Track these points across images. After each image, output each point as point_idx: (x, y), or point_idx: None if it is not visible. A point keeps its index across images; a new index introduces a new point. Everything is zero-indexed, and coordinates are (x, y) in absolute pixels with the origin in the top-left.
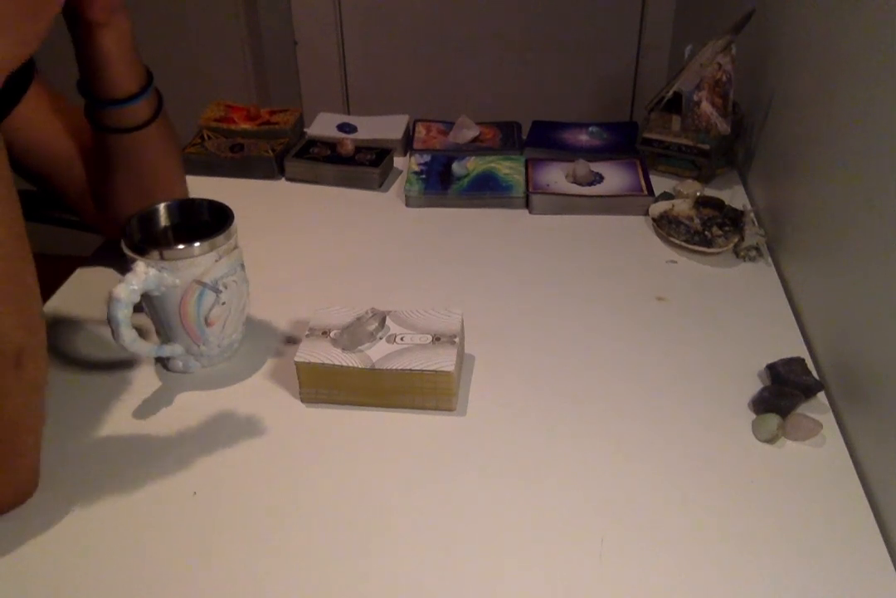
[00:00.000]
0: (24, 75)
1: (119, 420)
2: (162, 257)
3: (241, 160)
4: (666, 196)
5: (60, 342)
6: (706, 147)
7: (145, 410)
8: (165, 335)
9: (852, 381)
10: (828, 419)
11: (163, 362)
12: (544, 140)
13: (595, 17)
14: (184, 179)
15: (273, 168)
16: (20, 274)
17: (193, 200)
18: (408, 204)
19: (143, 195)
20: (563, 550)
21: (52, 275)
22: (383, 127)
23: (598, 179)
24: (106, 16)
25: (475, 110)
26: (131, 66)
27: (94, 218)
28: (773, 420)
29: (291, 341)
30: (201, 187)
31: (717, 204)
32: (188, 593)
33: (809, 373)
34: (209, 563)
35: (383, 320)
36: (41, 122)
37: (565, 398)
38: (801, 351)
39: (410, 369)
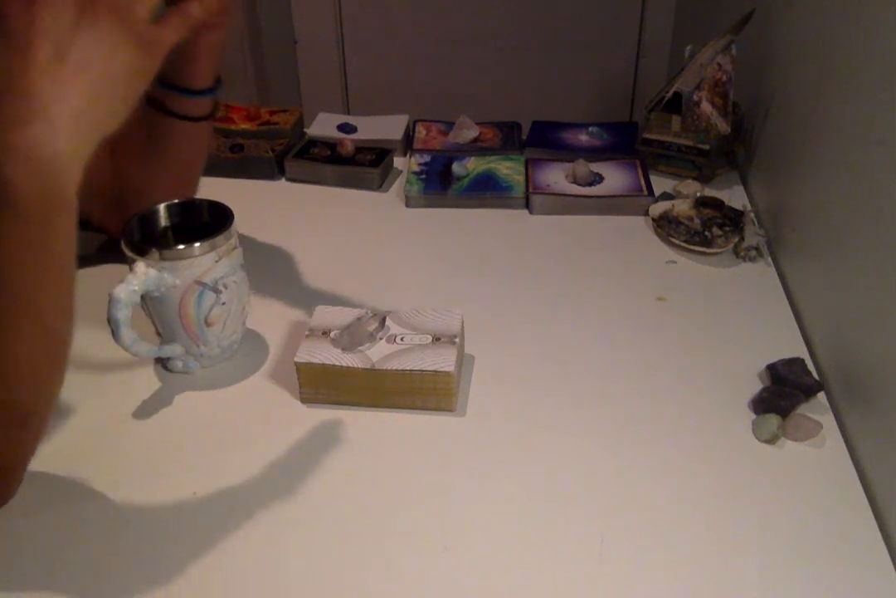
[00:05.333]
0: None
1: (119, 420)
2: (162, 258)
3: (240, 160)
4: (666, 196)
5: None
6: (706, 147)
7: (145, 410)
8: (165, 336)
9: (852, 381)
10: (828, 419)
11: (163, 363)
12: (544, 140)
13: (595, 16)
14: (200, 178)
15: (273, 168)
16: (58, 354)
17: (193, 201)
18: (408, 204)
19: (177, 181)
20: (563, 550)
21: None
22: (383, 127)
23: (598, 179)
24: (219, 18)
25: (475, 110)
26: (218, 61)
27: (102, 218)
28: (773, 420)
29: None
30: (201, 187)
31: (717, 204)
32: (188, 593)
33: (809, 373)
34: (209, 563)
35: (383, 321)
36: None
37: (565, 398)
38: (801, 351)
39: (410, 370)
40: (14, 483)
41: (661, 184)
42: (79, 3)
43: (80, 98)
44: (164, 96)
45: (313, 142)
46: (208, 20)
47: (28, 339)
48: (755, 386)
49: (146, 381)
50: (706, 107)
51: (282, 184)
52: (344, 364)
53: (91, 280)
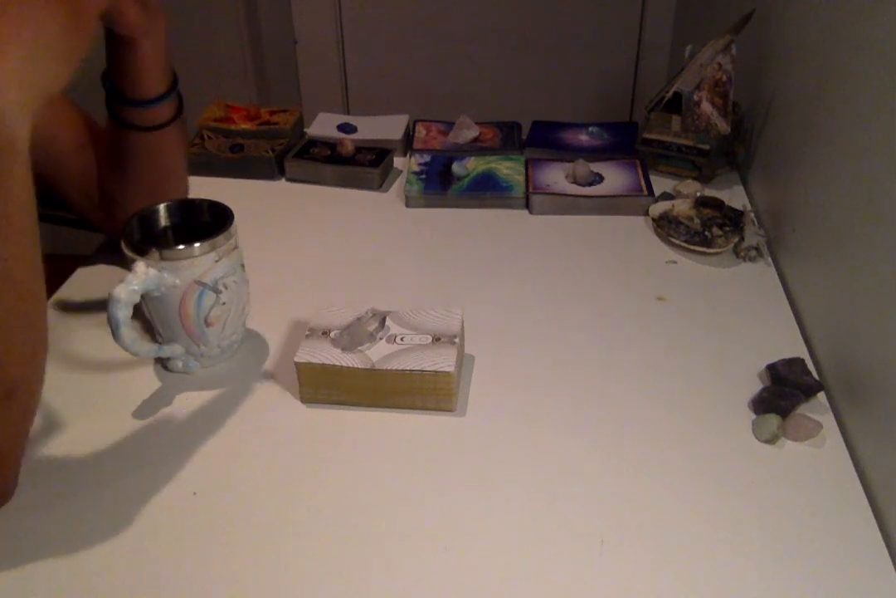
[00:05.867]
0: None
1: (119, 420)
2: (162, 258)
3: (240, 160)
4: (666, 196)
5: (60, 342)
6: (706, 147)
7: (145, 410)
8: (165, 336)
9: (852, 381)
10: (828, 419)
11: (163, 363)
12: (544, 140)
13: (595, 16)
14: (187, 178)
15: (273, 168)
16: (31, 312)
17: (193, 201)
18: (408, 204)
19: (152, 191)
20: (563, 550)
21: (52, 274)
22: (383, 127)
23: (598, 179)
24: (140, 32)
25: (475, 110)
26: (163, 69)
27: (98, 218)
28: (773, 420)
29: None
30: (201, 187)
31: (717, 204)
32: (188, 593)
33: (809, 373)
34: (209, 563)
35: (383, 321)
36: (45, 121)
37: (565, 398)
38: (801, 351)
39: (410, 370)
40: (10, 473)
41: (661, 184)
42: None
43: (19, 55)
44: (120, 111)
45: (313, 142)
46: (137, 30)
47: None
48: (755, 386)
49: (146, 381)
50: (706, 107)
51: (282, 184)
52: (344, 364)
53: (91, 280)
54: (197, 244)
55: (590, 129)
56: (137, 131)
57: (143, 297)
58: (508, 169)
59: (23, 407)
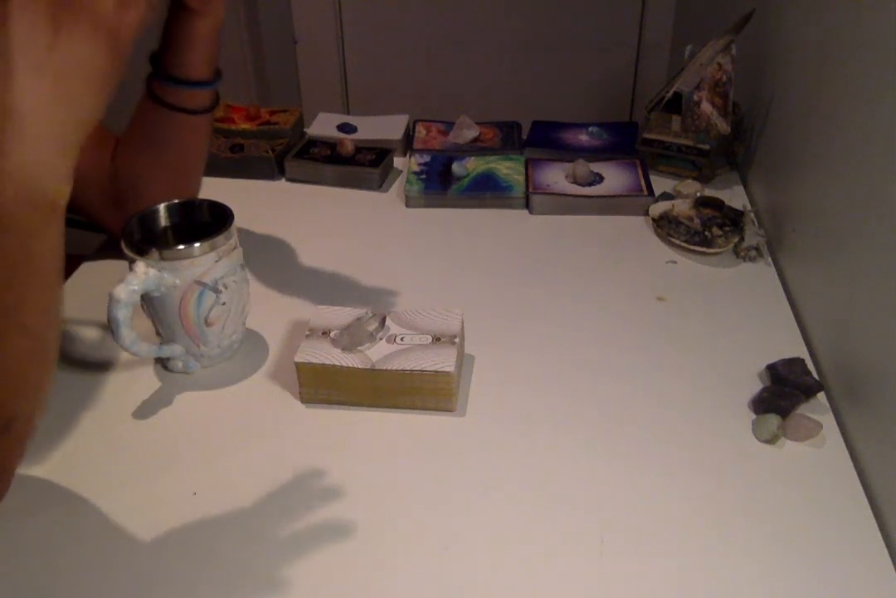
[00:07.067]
0: None
1: (119, 421)
2: (162, 258)
3: (240, 160)
4: (666, 196)
5: (60, 342)
6: (706, 147)
7: (145, 410)
8: (165, 336)
9: (852, 381)
10: (828, 420)
11: (163, 363)
12: (544, 140)
13: (595, 16)
14: (202, 176)
15: (273, 168)
16: (43, 359)
17: (193, 201)
18: (408, 204)
19: (174, 177)
20: (563, 549)
21: None
22: (383, 127)
23: (598, 179)
24: (203, 6)
25: (475, 110)
26: (211, 54)
27: (104, 216)
28: (773, 420)
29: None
30: (201, 187)
31: (717, 204)
32: (188, 593)
33: (809, 373)
34: (209, 563)
35: (383, 320)
36: None
37: (565, 398)
38: (801, 351)
39: (410, 370)
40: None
41: (661, 184)
42: (52, 10)
43: (57, 108)
44: (162, 89)
45: (313, 142)
46: (197, 7)
47: (10, 344)
48: (755, 386)
49: (146, 381)
50: (706, 107)
51: (282, 184)
52: (344, 364)
53: (91, 280)
54: (197, 244)
55: (590, 129)
56: (176, 112)
57: (143, 297)
58: (508, 169)
59: (19, 438)
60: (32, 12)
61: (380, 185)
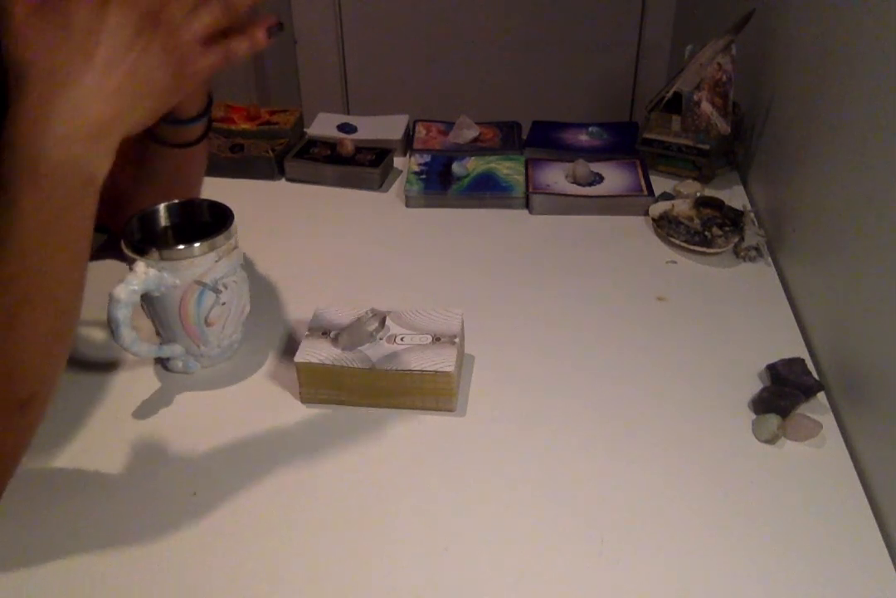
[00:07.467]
0: None
1: (119, 421)
2: (162, 258)
3: (240, 160)
4: (666, 196)
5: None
6: (706, 147)
7: (145, 410)
8: (165, 336)
9: (852, 381)
10: (828, 419)
11: (163, 363)
12: (544, 140)
13: (595, 16)
14: (201, 190)
15: (273, 168)
16: (65, 332)
17: (193, 201)
18: (408, 204)
19: (167, 200)
20: (563, 549)
21: None
22: (383, 127)
23: (598, 179)
24: None
25: (475, 110)
26: (204, 91)
27: (105, 215)
28: (773, 420)
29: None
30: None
31: (717, 204)
32: (188, 593)
33: (809, 373)
34: (209, 563)
35: (383, 320)
36: None
37: (565, 398)
38: (801, 351)
39: (410, 370)
40: (3, 481)
41: (661, 184)
42: (143, 13)
43: (119, 101)
44: (155, 126)
45: (313, 142)
46: None
47: (38, 314)
48: (755, 386)
49: (146, 381)
50: (706, 107)
51: (282, 184)
52: (344, 364)
53: (91, 280)
54: (197, 244)
55: (590, 129)
56: (168, 147)
57: (143, 297)
58: (508, 169)
59: (33, 418)
60: (126, 13)
61: (380, 185)
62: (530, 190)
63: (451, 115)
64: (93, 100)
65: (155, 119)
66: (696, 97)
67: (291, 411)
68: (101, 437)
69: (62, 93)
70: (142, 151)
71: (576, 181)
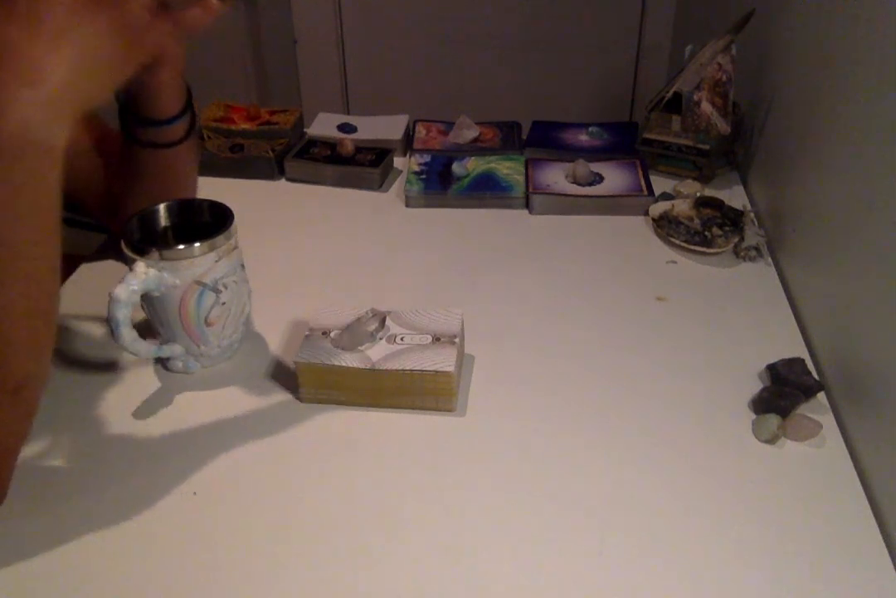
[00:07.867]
0: None
1: (119, 421)
2: (162, 258)
3: (240, 160)
4: (666, 196)
5: (60, 342)
6: (706, 147)
7: (145, 410)
8: (165, 335)
9: (852, 381)
10: (828, 420)
11: (163, 363)
12: (544, 140)
13: (595, 17)
14: (196, 189)
15: (273, 168)
16: (48, 311)
17: (193, 201)
18: (408, 204)
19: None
20: (562, 549)
21: None
22: (383, 127)
23: (598, 179)
24: (162, 60)
25: (475, 110)
26: (179, 90)
27: (104, 216)
28: (773, 420)
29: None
30: (201, 187)
31: (717, 204)
32: (188, 593)
33: (809, 373)
34: (209, 563)
35: (383, 320)
36: None
37: (565, 398)
38: (801, 351)
39: (410, 370)
40: (6, 472)
41: (661, 184)
42: None
43: (71, 70)
44: (134, 129)
45: (313, 142)
46: (161, 59)
47: (14, 292)
48: (755, 386)
49: (146, 381)
50: (706, 107)
51: (282, 184)
52: (344, 364)
53: (91, 280)
54: (197, 244)
55: (590, 129)
56: (150, 149)
57: (143, 297)
58: (508, 169)
59: (28, 404)
60: None
61: (380, 185)
62: (530, 190)
63: (451, 115)
64: (43, 69)
65: (112, 91)
66: (696, 97)
67: (291, 411)
68: (101, 437)
69: (11, 64)
70: (129, 154)
71: (576, 181)
